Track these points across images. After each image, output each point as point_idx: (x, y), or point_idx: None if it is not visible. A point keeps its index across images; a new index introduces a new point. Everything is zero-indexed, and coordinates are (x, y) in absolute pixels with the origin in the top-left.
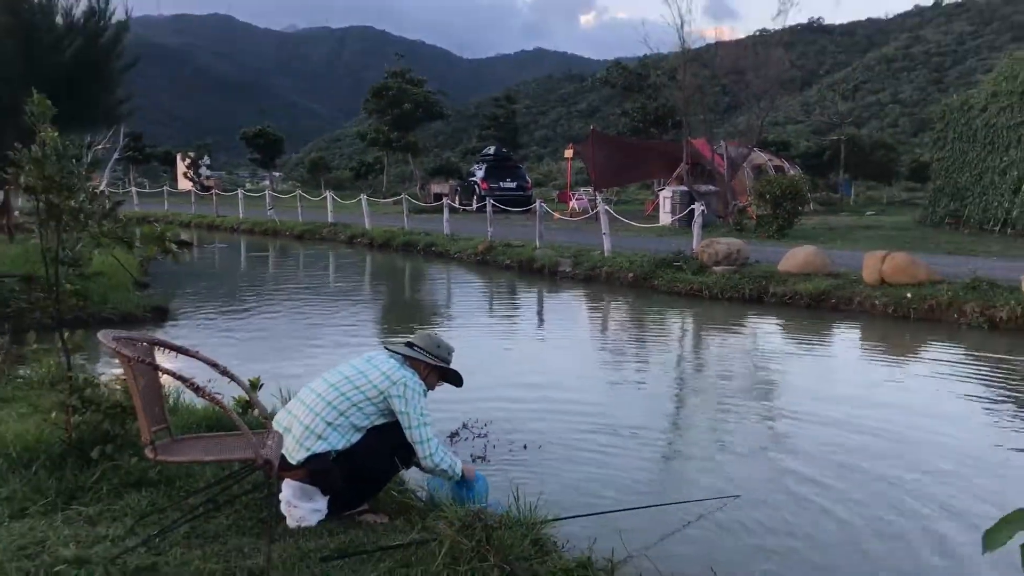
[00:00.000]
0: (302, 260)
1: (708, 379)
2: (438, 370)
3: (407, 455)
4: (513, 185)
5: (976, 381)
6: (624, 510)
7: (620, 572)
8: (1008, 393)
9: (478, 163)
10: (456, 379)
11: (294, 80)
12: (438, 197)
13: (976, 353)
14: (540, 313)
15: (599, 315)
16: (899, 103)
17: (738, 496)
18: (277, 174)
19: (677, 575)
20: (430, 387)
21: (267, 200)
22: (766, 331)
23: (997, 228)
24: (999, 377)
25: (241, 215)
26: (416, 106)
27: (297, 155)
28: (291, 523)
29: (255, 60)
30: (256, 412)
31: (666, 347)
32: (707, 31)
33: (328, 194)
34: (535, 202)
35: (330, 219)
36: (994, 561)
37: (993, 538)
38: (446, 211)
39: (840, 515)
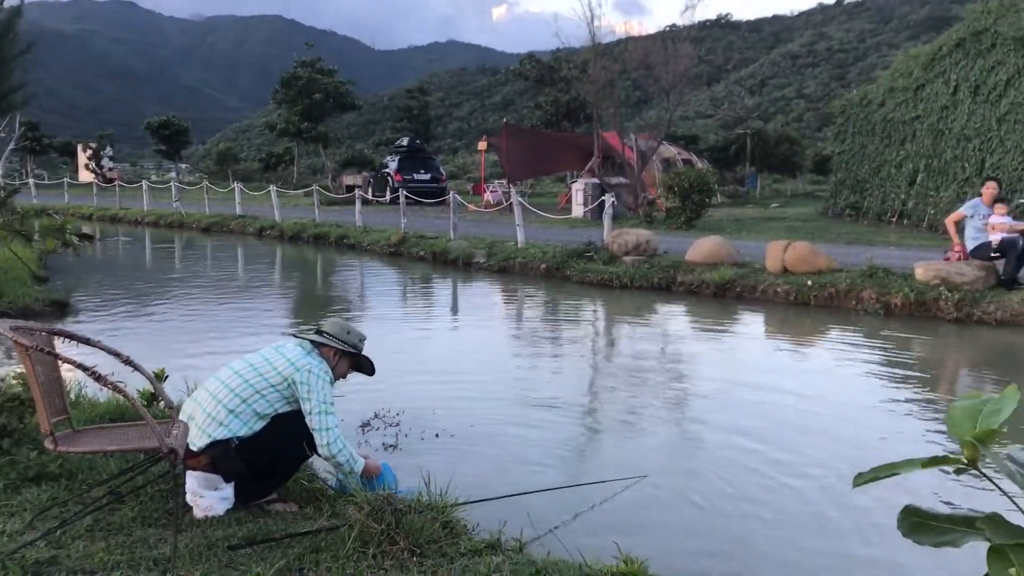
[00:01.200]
0: (210, 253)
1: (619, 365)
2: (349, 357)
3: (314, 443)
4: (427, 177)
5: (872, 363)
6: (533, 492)
7: (528, 551)
8: (901, 373)
9: (391, 155)
10: (368, 367)
11: (200, 69)
12: (350, 189)
13: (872, 337)
14: (454, 303)
15: (513, 305)
16: (804, 98)
17: (645, 476)
18: (183, 165)
19: (584, 552)
20: (341, 375)
21: (173, 192)
22: (674, 319)
23: (894, 219)
24: (893, 359)
25: (145, 207)
26: (327, 96)
27: (204, 146)
28: (198, 513)
29: (159, 48)
30: (162, 404)
31: (578, 335)
32: (617, 26)
33: (236, 186)
34: (449, 194)
35: (238, 211)
36: (867, 536)
37: (861, 478)
38: (358, 203)
39: (741, 493)
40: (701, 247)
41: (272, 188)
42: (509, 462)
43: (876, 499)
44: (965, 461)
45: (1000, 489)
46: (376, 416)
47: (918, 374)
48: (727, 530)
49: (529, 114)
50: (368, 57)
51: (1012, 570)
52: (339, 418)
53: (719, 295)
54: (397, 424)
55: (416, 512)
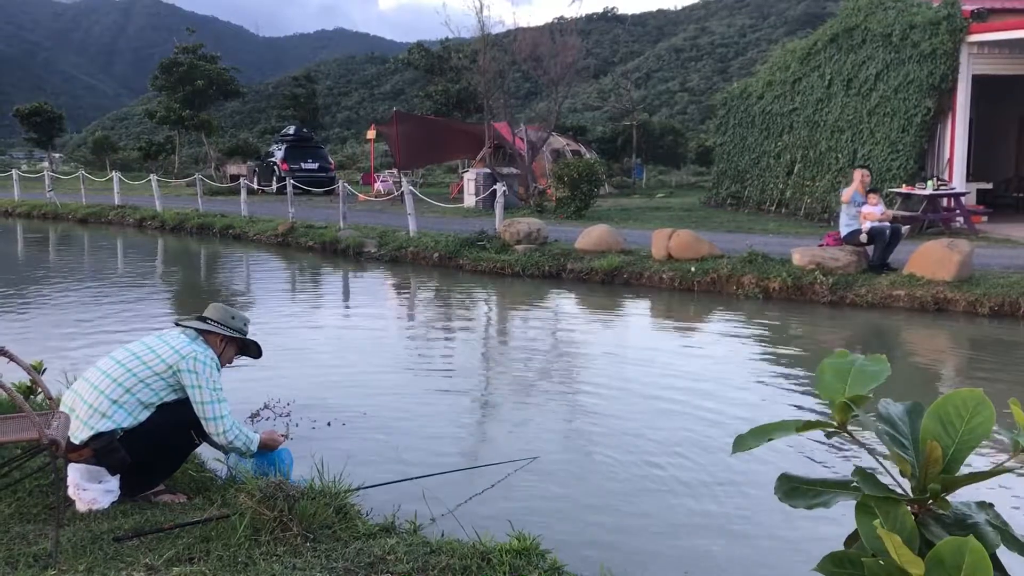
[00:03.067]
0: (87, 244)
1: (512, 351)
2: (235, 342)
3: (202, 431)
4: (315, 166)
5: (752, 344)
6: (428, 476)
7: (423, 533)
8: (779, 352)
9: (277, 143)
10: (255, 350)
11: (74, 55)
12: (235, 178)
13: (752, 319)
14: (345, 293)
15: (405, 293)
16: (688, 91)
17: (536, 457)
18: (57, 155)
19: (478, 531)
20: (227, 361)
21: (46, 182)
22: (565, 305)
23: (773, 208)
24: (771, 340)
25: (16, 197)
26: (209, 83)
27: (80, 135)
28: (81, 507)
29: (29, 32)
30: (40, 396)
31: (471, 322)
32: (506, 16)
33: (115, 175)
34: (338, 183)
35: (117, 201)
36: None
37: (740, 443)
38: (244, 192)
39: (629, 472)
40: (590, 235)
41: (153, 177)
42: (403, 447)
43: (758, 464)
44: (836, 425)
45: (866, 449)
46: (266, 406)
47: (795, 353)
48: (616, 506)
49: (420, 104)
50: (253, 44)
51: (876, 521)
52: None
53: (607, 281)
54: (287, 414)
55: (309, 498)
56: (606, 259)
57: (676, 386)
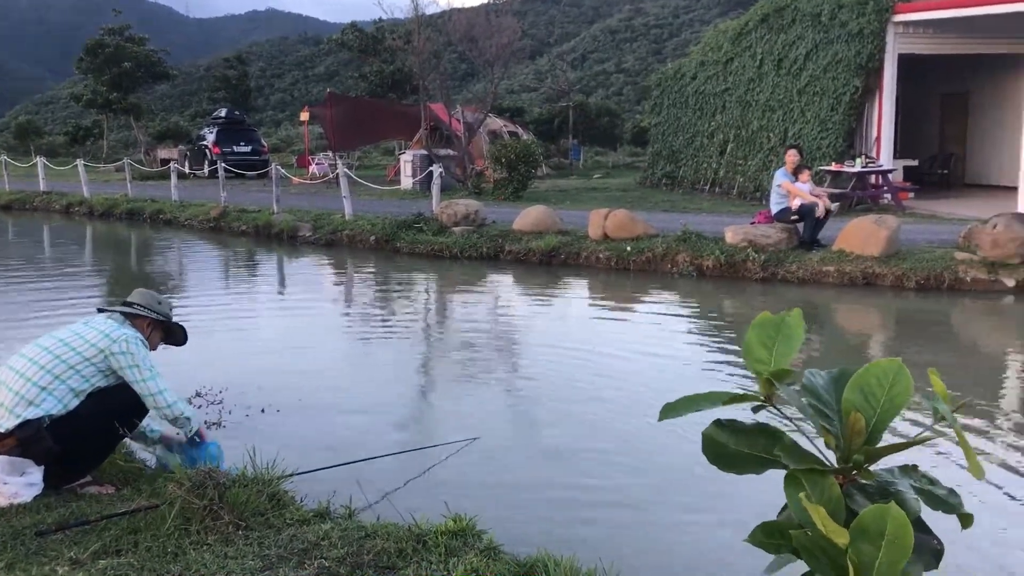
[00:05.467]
0: (10, 231)
1: (451, 332)
2: (161, 326)
3: (130, 420)
4: (248, 149)
5: (686, 320)
6: (365, 460)
7: (359, 518)
8: (712, 326)
9: (209, 126)
10: (181, 334)
11: None
12: (165, 162)
13: (687, 297)
14: (280, 277)
15: (342, 277)
16: (623, 72)
17: (477, 438)
18: None
19: (415, 514)
20: (153, 346)
21: None
22: (504, 286)
23: (707, 187)
24: (705, 316)
25: None
26: (137, 65)
27: (2, 119)
28: (2, 501)
29: None
30: None
31: (409, 305)
32: None
33: (40, 160)
34: (271, 166)
35: (43, 187)
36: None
37: (668, 411)
38: (174, 176)
39: (569, 451)
40: (528, 216)
41: (80, 163)
42: (340, 432)
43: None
44: (762, 398)
45: (792, 423)
46: (198, 394)
47: (728, 328)
48: (555, 484)
49: (354, 85)
50: (182, 25)
51: (802, 493)
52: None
53: (545, 262)
54: (220, 402)
55: (241, 486)
56: (544, 240)
57: (615, 365)
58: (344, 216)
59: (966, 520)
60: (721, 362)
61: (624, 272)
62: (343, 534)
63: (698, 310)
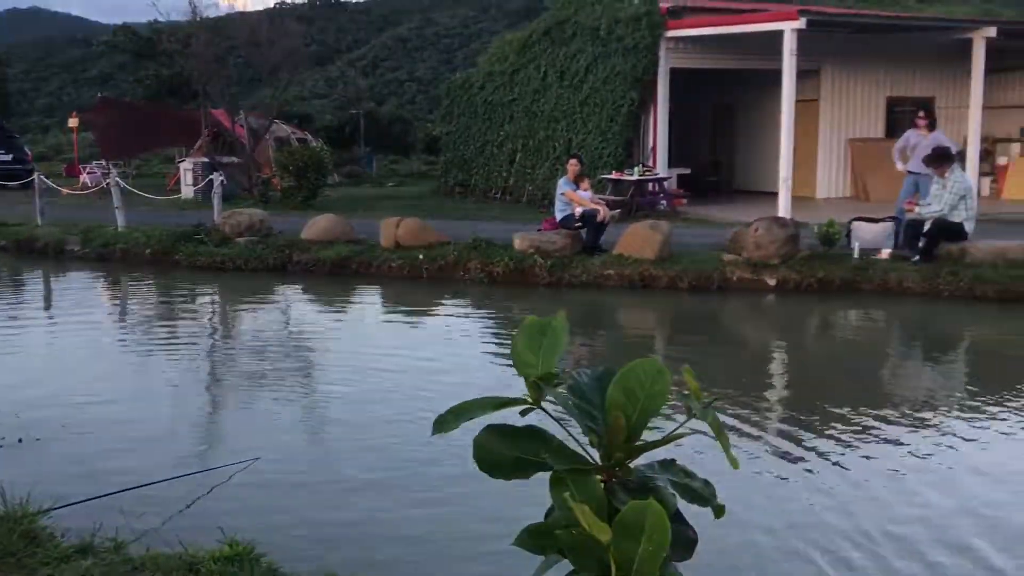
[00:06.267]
0: None
1: (236, 348)
2: None
3: None
4: (9, 158)
5: (478, 325)
6: (135, 488)
7: (127, 551)
8: (504, 332)
9: None
10: None
11: None
12: None
13: (478, 303)
14: (45, 295)
15: (114, 294)
16: (415, 80)
17: (257, 459)
18: None
19: (190, 542)
20: None
21: None
22: (292, 298)
23: (499, 195)
24: (496, 320)
25: None
26: None
27: None
28: None
29: None
30: None
31: (186, 321)
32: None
33: None
34: (36, 176)
35: None
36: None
37: (440, 424)
38: None
39: (353, 468)
40: (317, 225)
41: None
42: (109, 459)
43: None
44: (531, 401)
45: (561, 425)
46: None
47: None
48: (338, 504)
49: (130, 89)
50: None
51: (567, 493)
52: None
53: (336, 272)
54: None
55: None
56: (334, 249)
57: (405, 380)
58: (117, 228)
59: (718, 511)
60: (507, 366)
61: (417, 280)
62: (107, 569)
63: (489, 315)
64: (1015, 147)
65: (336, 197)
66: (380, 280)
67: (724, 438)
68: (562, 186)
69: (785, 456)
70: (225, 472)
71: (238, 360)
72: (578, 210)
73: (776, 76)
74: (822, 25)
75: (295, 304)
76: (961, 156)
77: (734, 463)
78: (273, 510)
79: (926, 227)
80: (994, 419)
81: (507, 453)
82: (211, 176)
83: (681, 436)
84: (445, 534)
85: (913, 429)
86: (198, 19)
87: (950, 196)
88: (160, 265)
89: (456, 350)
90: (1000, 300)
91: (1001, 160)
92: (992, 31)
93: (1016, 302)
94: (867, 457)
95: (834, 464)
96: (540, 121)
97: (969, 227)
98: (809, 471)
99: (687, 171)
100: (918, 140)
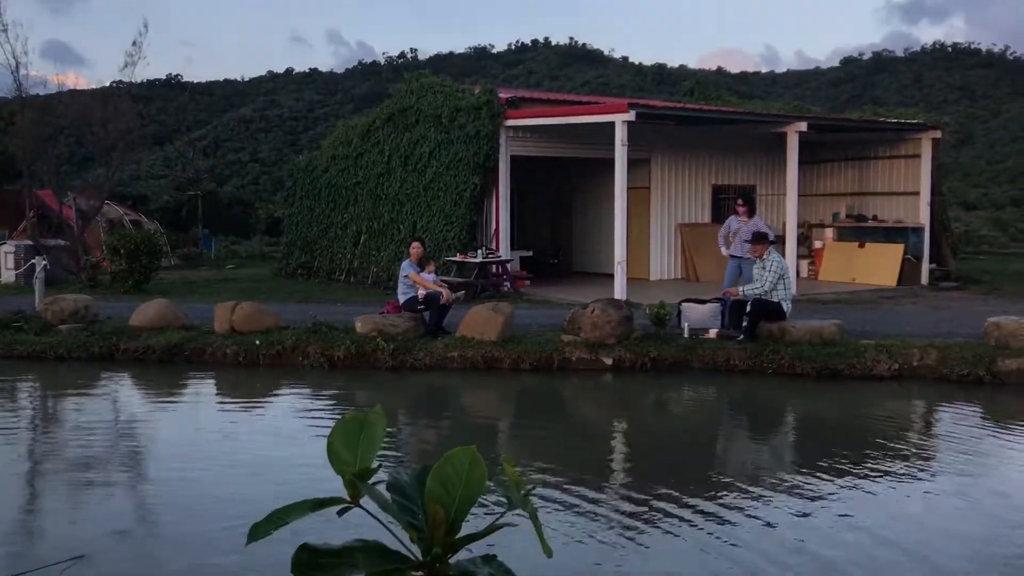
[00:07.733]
0: None
1: (54, 444)
2: None
3: None
4: None
5: (314, 414)
6: None
7: None
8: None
9: None
10: None
11: None
12: None
13: (317, 390)
14: None
15: None
16: (259, 162)
17: (81, 557)
18: None
19: None
20: None
21: None
22: (118, 388)
23: (343, 277)
24: (332, 409)
25: None
26: None
27: None
28: None
29: None
30: None
31: (5, 414)
32: (52, 77)
33: None
34: None
35: None
36: None
37: (256, 532)
38: None
39: (182, 564)
40: (146, 311)
41: None
42: None
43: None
44: (348, 500)
45: (379, 521)
46: None
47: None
48: None
49: None
50: None
51: None
52: None
53: (167, 360)
54: None
55: None
56: (164, 336)
57: (238, 473)
58: None
59: None
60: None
61: (254, 367)
62: None
63: (326, 403)
64: (829, 231)
65: (171, 280)
66: (214, 367)
67: (539, 527)
68: (405, 268)
69: (624, 531)
70: (45, 573)
71: (58, 454)
72: (421, 292)
73: (610, 164)
74: (650, 117)
75: (121, 395)
76: (781, 240)
77: (548, 552)
78: None
79: (748, 307)
80: (825, 482)
81: (329, 561)
82: (33, 260)
83: (500, 527)
84: None
85: (748, 497)
86: (23, 96)
87: (770, 275)
88: None
89: (292, 441)
90: (818, 376)
91: (817, 244)
92: (803, 126)
93: (832, 378)
94: (702, 530)
95: (666, 533)
96: (385, 204)
97: (787, 307)
98: (643, 546)
99: (529, 253)
100: (739, 226)
